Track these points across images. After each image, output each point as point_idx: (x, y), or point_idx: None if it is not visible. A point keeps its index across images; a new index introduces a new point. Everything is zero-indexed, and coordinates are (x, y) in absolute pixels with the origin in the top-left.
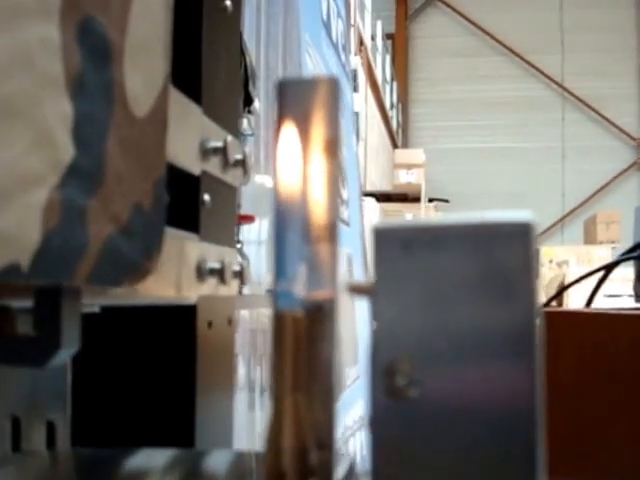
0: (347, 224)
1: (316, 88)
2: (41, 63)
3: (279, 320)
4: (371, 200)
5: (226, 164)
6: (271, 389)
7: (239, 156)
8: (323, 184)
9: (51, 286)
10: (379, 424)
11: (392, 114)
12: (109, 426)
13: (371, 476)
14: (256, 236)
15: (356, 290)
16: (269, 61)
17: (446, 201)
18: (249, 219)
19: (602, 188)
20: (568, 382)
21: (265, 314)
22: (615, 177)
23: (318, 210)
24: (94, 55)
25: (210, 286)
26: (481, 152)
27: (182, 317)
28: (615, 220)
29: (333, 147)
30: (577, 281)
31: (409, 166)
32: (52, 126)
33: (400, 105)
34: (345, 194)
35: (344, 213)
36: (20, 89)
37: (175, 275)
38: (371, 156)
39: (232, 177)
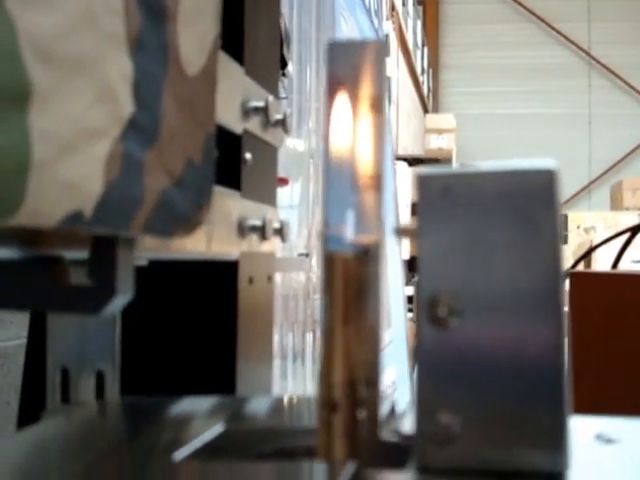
0: None
1: (364, 49)
2: (105, 23)
3: (330, 261)
4: (403, 164)
5: (267, 123)
6: (322, 325)
7: (279, 116)
8: (370, 137)
9: (107, 236)
10: (424, 350)
11: (423, 79)
12: (155, 375)
13: (416, 396)
14: (288, 201)
15: (402, 232)
16: (302, 24)
17: None
18: (283, 182)
19: (628, 155)
20: (595, 339)
21: (296, 279)
22: None
23: (366, 161)
24: (152, 16)
25: (251, 243)
26: (509, 118)
27: (225, 272)
28: None
29: (379, 103)
30: (604, 242)
31: (440, 131)
32: (114, 82)
33: (431, 70)
34: None
35: None
36: (86, 47)
37: (218, 231)
38: (403, 120)
39: (272, 136)
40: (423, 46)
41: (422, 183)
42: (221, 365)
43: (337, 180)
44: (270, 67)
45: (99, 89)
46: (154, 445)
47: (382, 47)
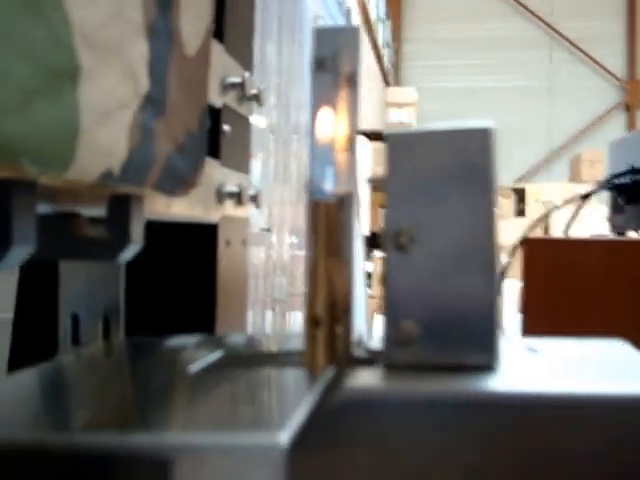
0: None
1: (342, 34)
2: (130, 13)
3: (315, 206)
4: (363, 139)
5: (243, 98)
6: (309, 259)
7: (254, 91)
8: (346, 107)
9: (122, 194)
10: (391, 270)
11: (385, 52)
12: (149, 320)
13: (384, 308)
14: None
15: (373, 181)
16: (266, 2)
17: None
18: None
19: (587, 128)
20: (543, 300)
21: (257, 256)
22: (600, 117)
23: (342, 127)
24: (162, 5)
25: (228, 208)
26: (471, 91)
27: (206, 235)
28: (599, 159)
29: (354, 78)
30: (558, 207)
31: (400, 105)
32: (136, 63)
33: (393, 43)
34: None
35: None
36: (117, 34)
37: (200, 197)
38: (363, 94)
39: (248, 110)
40: (386, 19)
41: (390, 140)
42: (203, 313)
43: (319, 142)
44: (246, 44)
45: (125, 68)
46: (166, 364)
47: (357, 32)
